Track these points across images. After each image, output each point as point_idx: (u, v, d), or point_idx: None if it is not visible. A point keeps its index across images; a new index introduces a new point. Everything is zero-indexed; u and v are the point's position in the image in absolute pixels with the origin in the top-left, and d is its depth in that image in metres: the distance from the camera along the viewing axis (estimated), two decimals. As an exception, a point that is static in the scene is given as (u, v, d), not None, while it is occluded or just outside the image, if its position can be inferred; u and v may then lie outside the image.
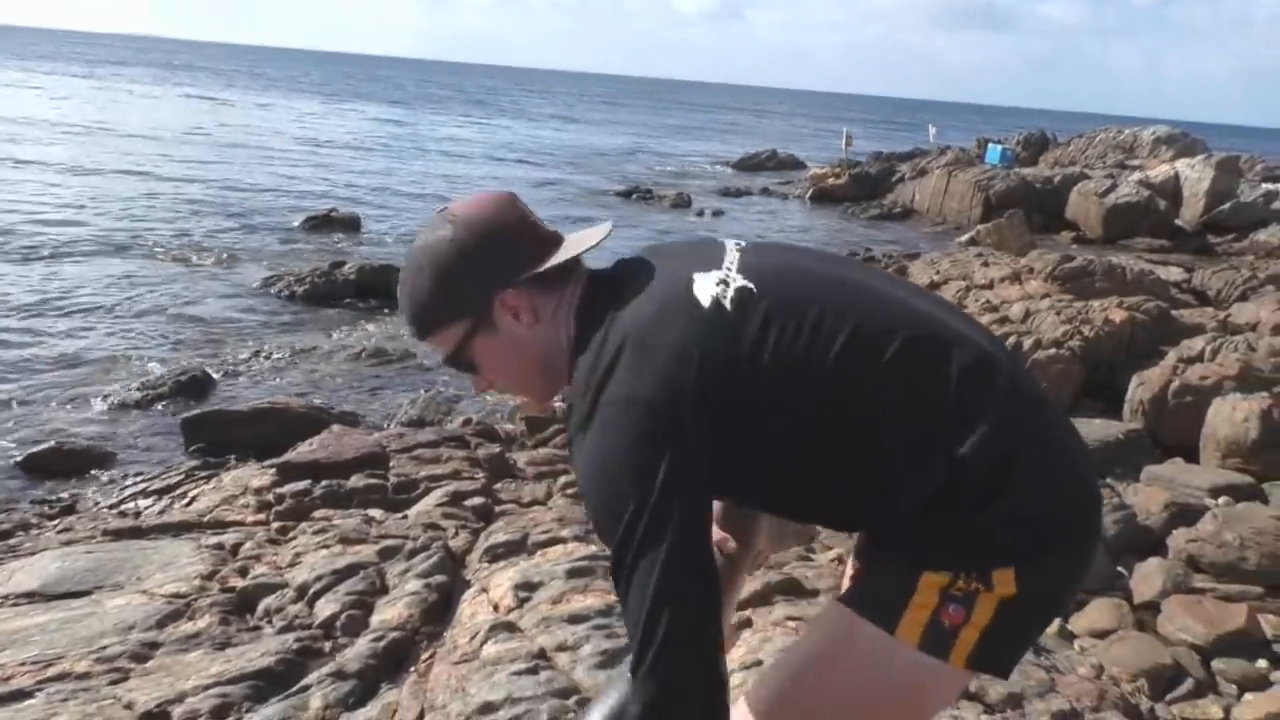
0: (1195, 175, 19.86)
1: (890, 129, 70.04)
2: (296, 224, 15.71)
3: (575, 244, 1.34)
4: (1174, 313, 8.86)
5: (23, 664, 2.64)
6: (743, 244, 1.37)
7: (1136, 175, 20.77)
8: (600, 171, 29.23)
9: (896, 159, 29.54)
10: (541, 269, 1.29)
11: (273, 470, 4.92)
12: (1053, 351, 8.03)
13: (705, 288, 1.24)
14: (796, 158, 35.81)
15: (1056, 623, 4.30)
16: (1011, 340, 8.22)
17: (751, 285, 1.24)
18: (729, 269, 1.28)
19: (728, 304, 1.22)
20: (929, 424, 1.20)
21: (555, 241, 1.34)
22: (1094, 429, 6.94)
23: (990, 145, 26.55)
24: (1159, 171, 20.75)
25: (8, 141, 23.27)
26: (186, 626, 2.95)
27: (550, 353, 1.34)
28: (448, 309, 1.31)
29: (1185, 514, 5.39)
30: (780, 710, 1.30)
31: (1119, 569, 5.03)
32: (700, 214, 21.72)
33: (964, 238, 17.06)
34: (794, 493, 1.28)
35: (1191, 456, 6.54)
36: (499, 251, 1.29)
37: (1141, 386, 7.27)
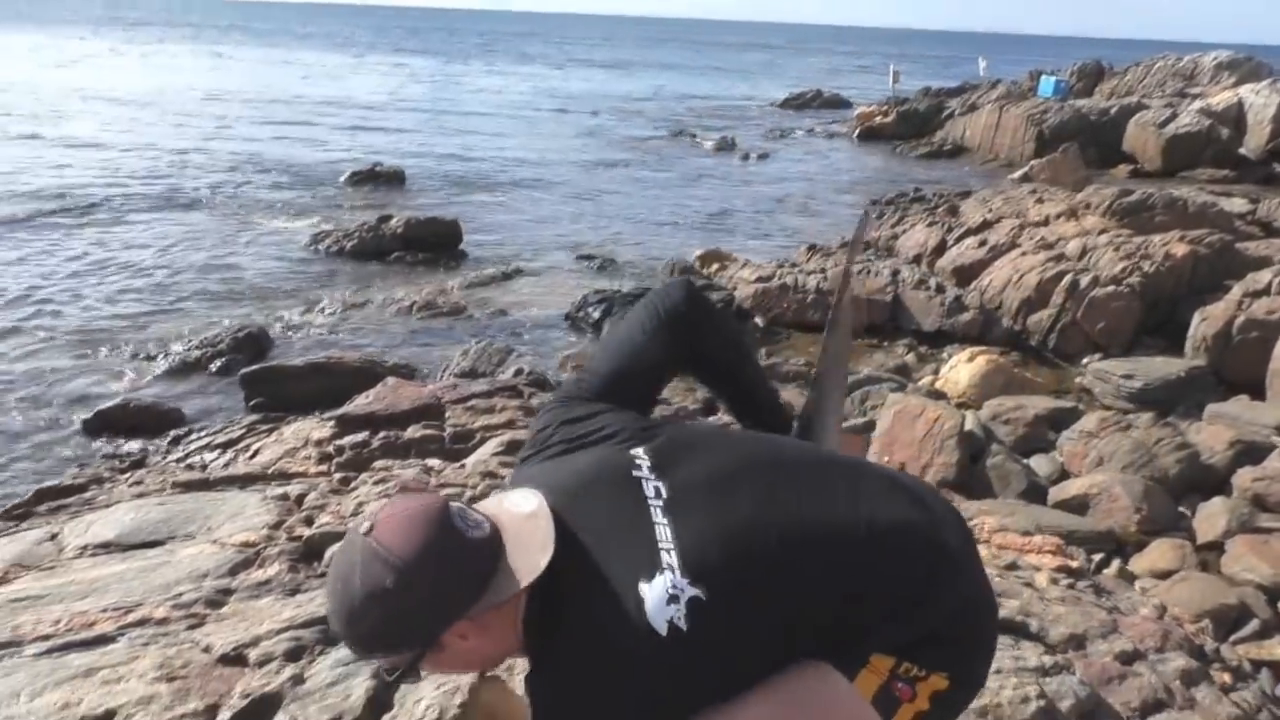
0: (1260, 101, 19.10)
1: (938, 64, 68.26)
2: (342, 180, 15.82)
3: (521, 568, 1.24)
4: (1238, 245, 8.61)
5: (104, 610, 2.73)
6: (663, 492, 1.31)
7: (1197, 104, 20.04)
8: (642, 115, 28.97)
9: (945, 94, 28.79)
10: (490, 603, 1.22)
11: (332, 422, 5.01)
12: (1111, 289, 7.86)
13: (658, 610, 1.20)
14: (842, 96, 35.15)
15: (1116, 564, 4.26)
16: (1068, 279, 8.07)
17: (700, 593, 1.21)
18: (671, 569, 1.22)
19: (683, 625, 1.20)
20: (882, 618, 1.29)
21: (494, 550, 1.24)
22: (1154, 367, 6.82)
23: (1043, 77, 25.78)
24: (1221, 99, 19.99)
25: (49, 114, 23.64)
26: (257, 574, 3.03)
27: (493, 655, 1.33)
28: (394, 646, 1.25)
29: (1251, 452, 5.29)
30: None
31: (1181, 509, 4.97)
32: (745, 157, 21.45)
33: (1017, 174, 16.67)
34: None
35: (1257, 393, 6.40)
36: (444, 591, 1.21)
37: (1205, 322, 7.11)
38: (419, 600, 1.20)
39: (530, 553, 1.24)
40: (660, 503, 1.30)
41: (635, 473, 1.34)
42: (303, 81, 35.75)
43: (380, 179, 15.96)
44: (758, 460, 1.40)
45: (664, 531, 1.26)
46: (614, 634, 1.21)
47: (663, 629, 1.19)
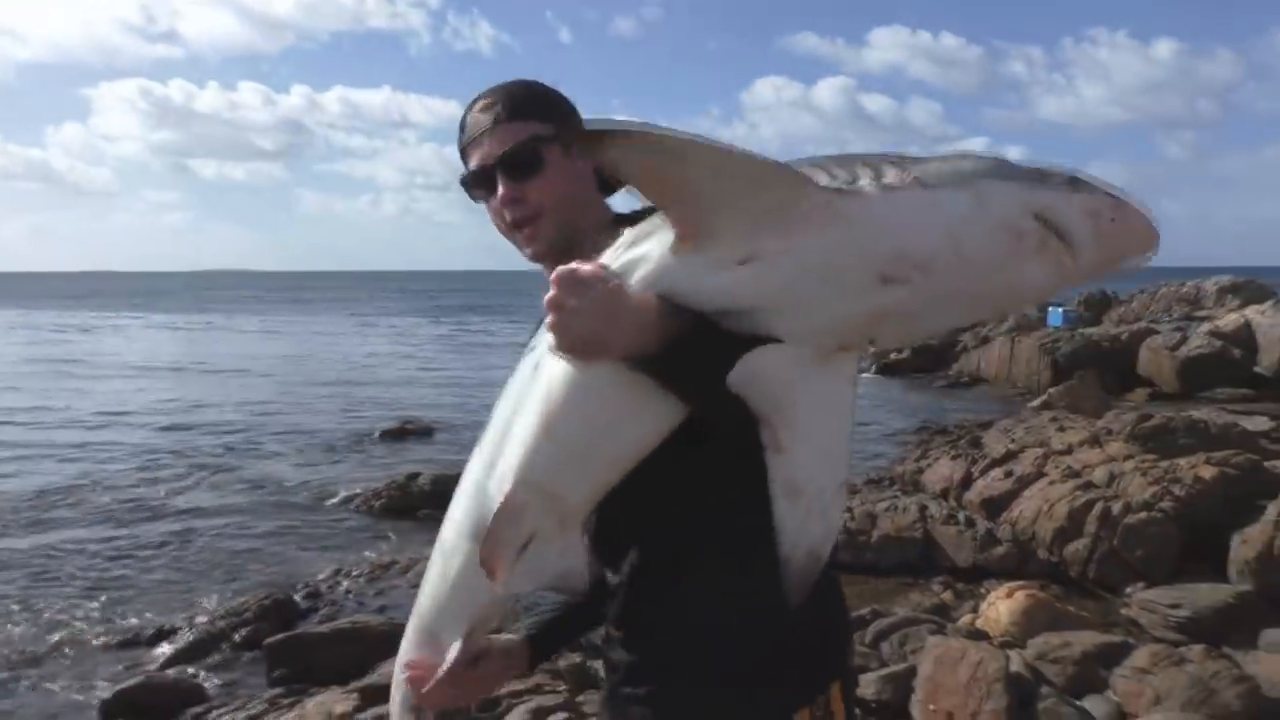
0: (1268, 321, 19.49)
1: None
2: (373, 437, 16.24)
3: None
4: (1266, 464, 8.52)
5: None
6: None
7: (1206, 326, 20.48)
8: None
9: (956, 329, 29.58)
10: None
11: (355, 694, 4.89)
12: (1144, 515, 7.74)
13: None
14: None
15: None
16: (1099, 507, 7.97)
17: None
18: None
19: None
20: None
21: None
22: (1200, 595, 6.59)
23: (1050, 309, 26.55)
24: (1228, 320, 20.44)
25: (100, 383, 24.66)
26: None
27: (590, 202, 1.53)
28: (551, 108, 1.50)
29: (1317, 683, 5.01)
30: None
31: (1251, 751, 4.65)
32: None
33: (1036, 402, 16.84)
34: None
35: (1314, 618, 6.13)
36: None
37: (1244, 545, 6.96)
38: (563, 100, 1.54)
39: None
40: None
41: None
42: (309, 346, 37.14)
43: (409, 435, 16.44)
44: None
45: None
46: None
47: None
